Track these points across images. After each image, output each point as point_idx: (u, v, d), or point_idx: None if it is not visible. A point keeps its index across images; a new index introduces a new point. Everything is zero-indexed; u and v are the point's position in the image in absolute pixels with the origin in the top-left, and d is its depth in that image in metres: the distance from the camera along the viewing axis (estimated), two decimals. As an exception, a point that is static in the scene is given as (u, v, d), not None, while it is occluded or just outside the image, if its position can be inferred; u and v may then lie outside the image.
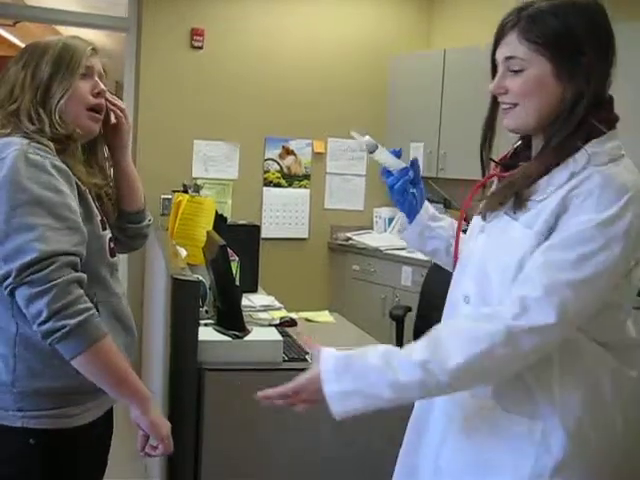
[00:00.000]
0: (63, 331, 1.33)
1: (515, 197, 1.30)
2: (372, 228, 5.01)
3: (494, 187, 1.40)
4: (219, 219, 3.35)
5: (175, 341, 2.09)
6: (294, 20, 4.79)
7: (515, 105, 1.31)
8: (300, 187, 4.85)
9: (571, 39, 1.25)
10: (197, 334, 2.06)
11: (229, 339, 2.10)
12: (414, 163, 1.59)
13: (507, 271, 1.26)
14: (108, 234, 1.58)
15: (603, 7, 1.30)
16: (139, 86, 4.50)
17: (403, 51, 4.99)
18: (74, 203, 1.45)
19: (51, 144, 1.47)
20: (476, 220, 1.44)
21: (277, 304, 3.03)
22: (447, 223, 1.65)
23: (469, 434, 1.35)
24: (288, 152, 4.84)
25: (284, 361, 2.14)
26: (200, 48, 4.57)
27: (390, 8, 5.01)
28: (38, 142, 1.45)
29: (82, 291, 1.39)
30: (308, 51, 4.83)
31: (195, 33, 4.55)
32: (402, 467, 1.50)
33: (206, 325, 2.21)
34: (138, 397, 1.48)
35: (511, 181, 1.32)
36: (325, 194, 4.93)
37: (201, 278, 2.25)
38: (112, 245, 1.59)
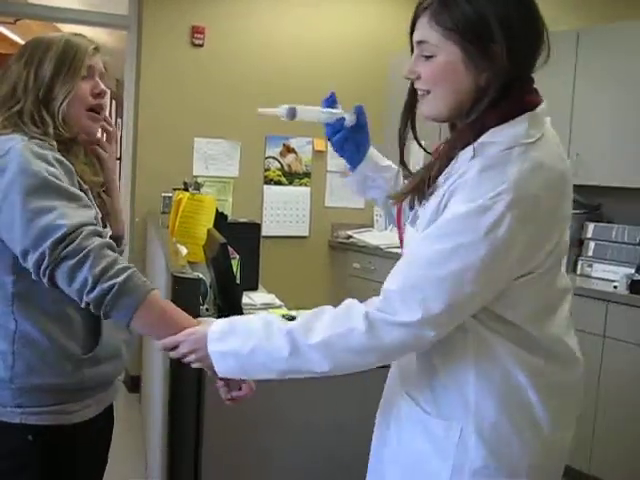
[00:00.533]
0: (113, 291, 1.31)
1: (419, 188, 1.31)
2: (373, 226, 5.00)
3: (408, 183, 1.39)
4: (220, 217, 3.34)
5: (175, 339, 2.09)
6: (295, 18, 4.79)
7: (428, 92, 1.28)
8: (301, 185, 4.85)
9: (482, 27, 1.19)
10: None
11: (229, 337, 2.10)
12: (359, 110, 1.56)
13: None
14: (109, 231, 1.59)
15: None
16: (140, 84, 4.50)
17: (403, 49, 4.97)
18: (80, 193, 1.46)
19: (54, 143, 1.47)
20: None
21: (278, 302, 3.02)
22: (391, 174, 1.61)
23: (401, 436, 1.36)
24: (289, 150, 4.84)
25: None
26: (201, 46, 4.57)
27: (390, 6, 5.00)
28: (40, 140, 1.45)
29: (116, 253, 1.38)
30: (309, 49, 4.82)
31: (196, 31, 4.54)
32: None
33: (206, 323, 2.20)
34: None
35: (416, 178, 1.33)
36: (326, 192, 4.93)
37: (201, 276, 2.24)
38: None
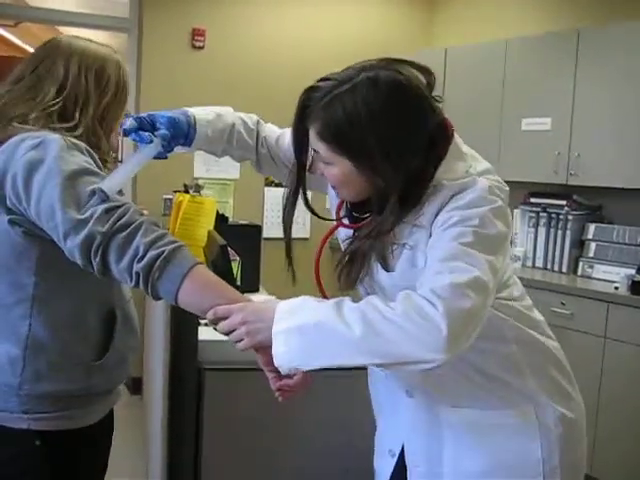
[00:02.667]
0: (163, 256, 1.26)
1: (381, 257, 1.35)
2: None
3: (344, 259, 1.43)
4: (220, 219, 3.35)
5: (175, 341, 2.09)
6: (295, 20, 4.79)
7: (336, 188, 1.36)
8: (301, 187, 4.85)
9: (363, 150, 1.25)
10: (197, 334, 2.05)
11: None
12: (163, 138, 1.55)
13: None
14: None
15: (392, 84, 1.27)
16: (140, 86, 4.51)
17: (404, 49, 4.98)
18: None
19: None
20: None
21: (278, 304, 3.02)
22: (225, 137, 1.71)
23: (470, 445, 1.42)
24: (289, 152, 4.84)
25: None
26: (201, 48, 4.58)
27: (392, 7, 5.00)
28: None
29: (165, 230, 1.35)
30: (310, 51, 4.83)
31: (196, 33, 4.55)
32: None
33: (206, 325, 2.21)
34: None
35: (365, 248, 1.36)
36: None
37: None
38: None
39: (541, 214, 3.98)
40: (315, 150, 1.32)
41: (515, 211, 4.02)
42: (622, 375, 3.31)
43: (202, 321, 2.20)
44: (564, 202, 3.90)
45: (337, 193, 1.40)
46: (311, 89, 1.30)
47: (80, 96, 1.49)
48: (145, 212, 1.43)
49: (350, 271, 1.41)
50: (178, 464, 2.03)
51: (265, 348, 1.25)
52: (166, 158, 1.57)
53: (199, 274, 1.30)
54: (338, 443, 2.06)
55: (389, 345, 1.17)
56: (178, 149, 1.64)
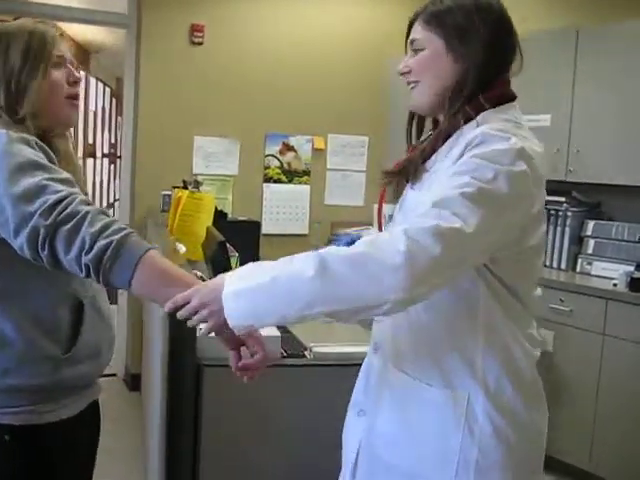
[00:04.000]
0: (112, 247, 1.23)
1: (414, 172, 1.40)
2: (372, 224, 5.00)
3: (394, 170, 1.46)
4: (219, 215, 3.35)
5: (174, 337, 2.09)
6: (295, 16, 4.78)
7: (417, 82, 1.42)
8: (300, 183, 4.85)
9: (464, 23, 1.36)
10: (196, 330, 2.05)
11: (228, 335, 2.10)
12: None
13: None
14: None
15: (501, 5, 1.41)
16: (139, 82, 4.50)
17: (400, 47, 4.96)
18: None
19: (34, 137, 1.43)
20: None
21: (277, 300, 3.02)
22: None
23: (397, 409, 1.39)
24: (288, 148, 4.83)
25: (282, 357, 2.13)
26: (200, 44, 4.56)
27: (392, 5, 4.99)
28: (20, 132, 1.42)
29: (113, 217, 1.32)
30: (309, 47, 4.82)
31: (195, 29, 4.54)
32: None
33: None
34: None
35: (409, 158, 1.42)
36: (325, 190, 4.93)
37: (200, 274, 2.24)
38: None
39: (540, 211, 3.99)
40: (411, 41, 1.43)
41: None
42: (621, 372, 3.31)
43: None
44: (563, 199, 3.90)
45: (414, 88, 1.43)
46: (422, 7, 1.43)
47: (5, 83, 1.46)
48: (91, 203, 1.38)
49: (397, 183, 1.46)
50: (176, 460, 2.03)
51: (227, 326, 1.22)
52: None
53: (150, 262, 1.27)
54: (336, 438, 2.06)
55: (343, 286, 1.14)
56: None
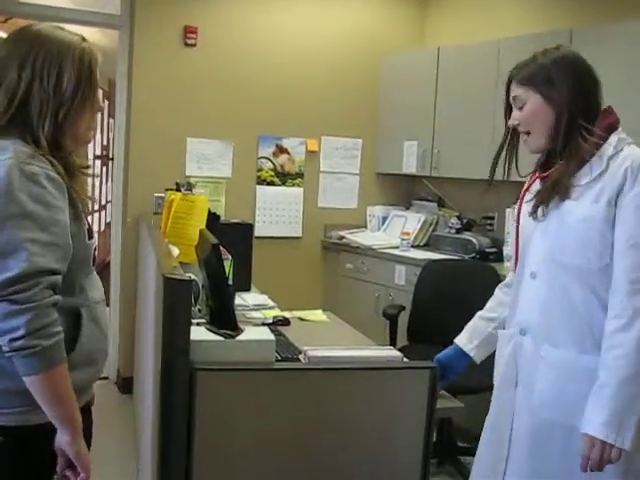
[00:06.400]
0: (35, 350, 1.34)
1: (563, 188, 1.72)
2: (366, 227, 5.00)
3: (540, 187, 1.81)
4: (212, 217, 3.33)
5: (167, 340, 2.07)
6: (288, 18, 4.78)
7: (528, 133, 1.81)
8: (294, 186, 4.84)
9: (547, 76, 1.78)
10: (189, 333, 2.04)
11: (221, 339, 2.09)
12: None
13: (588, 244, 1.67)
14: (94, 243, 1.58)
15: (574, 52, 1.89)
16: (132, 84, 4.48)
17: (397, 49, 4.98)
18: (64, 216, 1.43)
19: (48, 159, 1.44)
20: (525, 222, 1.83)
21: (270, 303, 3.02)
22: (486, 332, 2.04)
23: (552, 380, 1.74)
24: (282, 150, 4.83)
25: (277, 361, 2.12)
26: (193, 46, 4.56)
27: (384, 6, 5.00)
28: (34, 151, 1.42)
29: (57, 315, 1.39)
30: (302, 49, 4.82)
31: (188, 30, 4.53)
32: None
33: (198, 324, 2.19)
34: (74, 426, 1.47)
35: (555, 178, 1.75)
36: (319, 193, 4.92)
37: (193, 277, 2.23)
38: (96, 254, 1.60)
39: (534, 213, 3.98)
40: (513, 98, 1.83)
41: (507, 210, 4.02)
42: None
43: (194, 320, 2.18)
44: None
45: (526, 141, 1.82)
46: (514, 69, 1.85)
47: (35, 104, 1.44)
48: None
49: (547, 198, 1.75)
50: (169, 464, 2.02)
51: None
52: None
53: (53, 378, 1.39)
54: (328, 443, 2.05)
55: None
56: None
